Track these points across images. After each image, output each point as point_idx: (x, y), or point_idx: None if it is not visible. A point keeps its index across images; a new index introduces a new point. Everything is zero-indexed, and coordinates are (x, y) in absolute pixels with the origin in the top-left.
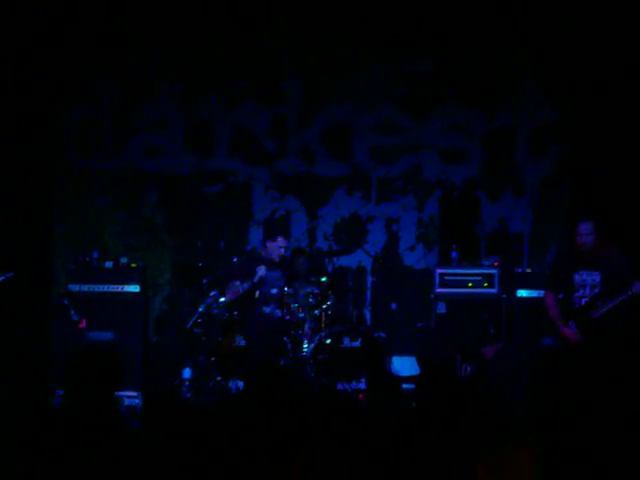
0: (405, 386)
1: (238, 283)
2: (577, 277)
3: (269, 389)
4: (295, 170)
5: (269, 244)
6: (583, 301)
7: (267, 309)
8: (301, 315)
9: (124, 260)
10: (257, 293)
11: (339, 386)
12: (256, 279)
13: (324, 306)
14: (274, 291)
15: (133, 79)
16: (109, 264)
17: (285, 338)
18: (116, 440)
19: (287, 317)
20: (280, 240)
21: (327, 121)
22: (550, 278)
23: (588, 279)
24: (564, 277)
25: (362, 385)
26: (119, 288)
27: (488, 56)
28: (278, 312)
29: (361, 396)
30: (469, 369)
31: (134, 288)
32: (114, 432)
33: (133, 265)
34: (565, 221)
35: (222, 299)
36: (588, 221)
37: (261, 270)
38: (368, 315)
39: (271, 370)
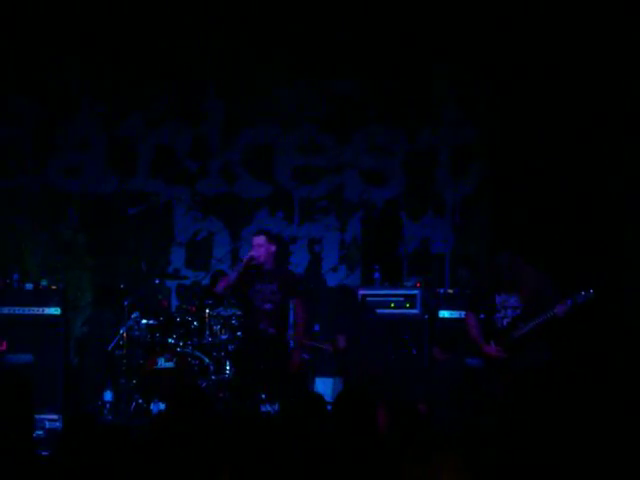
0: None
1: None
2: (499, 298)
3: (193, 411)
4: (217, 190)
5: None
6: (505, 322)
7: (262, 325)
8: (224, 337)
9: (44, 282)
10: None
11: (262, 408)
12: (244, 262)
13: None
14: (268, 307)
15: (54, 97)
16: (29, 286)
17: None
18: (29, 465)
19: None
20: (254, 239)
21: (249, 141)
22: (472, 299)
23: (510, 300)
24: (486, 298)
25: None
26: (39, 310)
27: (409, 77)
28: (272, 330)
29: None
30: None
31: (54, 310)
32: (27, 457)
33: (53, 287)
34: (486, 241)
35: (144, 321)
36: (507, 254)
37: (252, 251)
38: None
39: (194, 392)
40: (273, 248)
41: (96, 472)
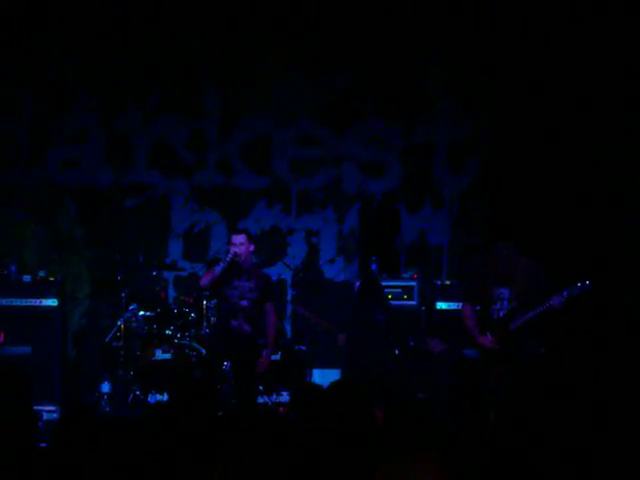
0: None
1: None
2: (495, 290)
3: (198, 402)
4: (214, 183)
5: None
6: (501, 313)
7: (234, 322)
8: None
9: (42, 274)
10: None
11: (259, 399)
12: (229, 257)
13: None
14: (244, 303)
15: (51, 91)
16: (27, 278)
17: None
18: (30, 455)
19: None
20: (232, 238)
21: (247, 134)
22: (468, 290)
23: (506, 292)
24: (482, 290)
25: (283, 398)
26: (37, 302)
27: (407, 70)
28: (247, 327)
29: (282, 409)
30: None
31: (52, 302)
32: (29, 447)
33: (51, 279)
34: (483, 233)
35: (141, 312)
36: (505, 246)
37: (234, 248)
38: (288, 328)
39: (199, 384)
40: (252, 247)
41: (91, 463)
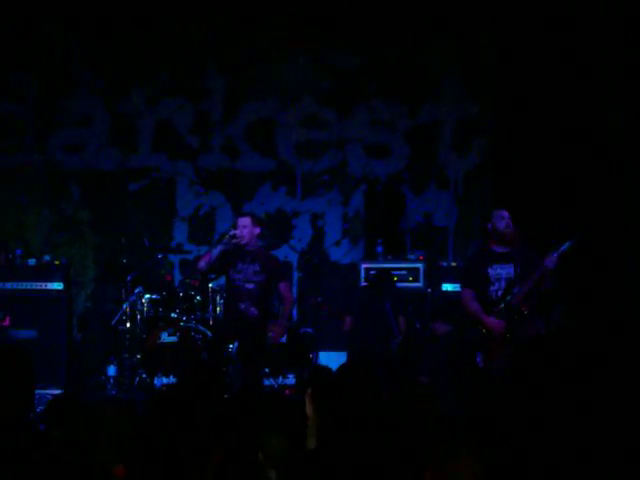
0: None
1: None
2: (491, 271)
3: (206, 386)
4: (219, 165)
5: None
6: (499, 293)
7: (242, 305)
8: None
9: (47, 257)
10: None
11: (266, 382)
12: (226, 239)
13: None
14: (250, 286)
15: (55, 74)
16: (32, 261)
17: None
18: (28, 442)
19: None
20: (239, 220)
21: (251, 116)
22: (465, 275)
23: (502, 272)
24: (478, 273)
25: (289, 381)
26: (42, 285)
27: (411, 51)
28: (254, 310)
29: (288, 391)
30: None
31: (57, 285)
32: (27, 435)
33: (56, 262)
34: (488, 214)
35: (147, 295)
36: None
37: (235, 230)
38: (295, 311)
39: (208, 368)
40: (257, 230)
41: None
